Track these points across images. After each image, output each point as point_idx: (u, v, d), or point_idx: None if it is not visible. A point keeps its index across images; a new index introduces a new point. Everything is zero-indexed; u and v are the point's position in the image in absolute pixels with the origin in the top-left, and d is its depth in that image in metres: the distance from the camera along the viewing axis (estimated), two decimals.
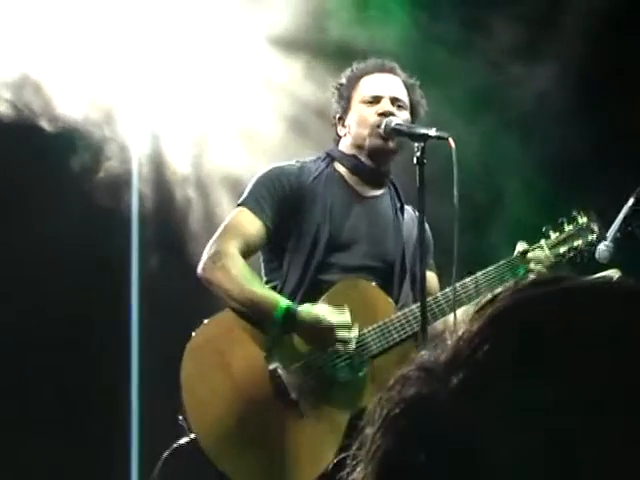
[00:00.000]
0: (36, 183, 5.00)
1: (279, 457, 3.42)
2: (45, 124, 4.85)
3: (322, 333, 3.42)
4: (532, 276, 3.41)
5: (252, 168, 4.78)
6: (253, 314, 3.46)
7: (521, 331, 0.74)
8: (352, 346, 3.45)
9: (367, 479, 0.76)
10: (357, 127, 3.68)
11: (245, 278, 3.48)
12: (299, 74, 4.85)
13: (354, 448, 0.80)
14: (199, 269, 3.55)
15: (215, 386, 3.45)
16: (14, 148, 4.89)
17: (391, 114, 3.62)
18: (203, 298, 3.80)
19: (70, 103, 4.91)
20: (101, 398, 4.98)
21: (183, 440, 3.45)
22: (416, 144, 3.42)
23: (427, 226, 3.71)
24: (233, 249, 3.51)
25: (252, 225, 3.57)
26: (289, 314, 3.41)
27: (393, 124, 3.55)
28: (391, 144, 3.63)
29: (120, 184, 5.04)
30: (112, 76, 4.98)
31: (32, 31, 4.90)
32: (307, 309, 3.43)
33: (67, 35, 4.91)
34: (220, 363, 3.46)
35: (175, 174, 5.07)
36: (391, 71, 3.76)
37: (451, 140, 3.35)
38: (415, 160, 3.39)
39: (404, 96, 3.71)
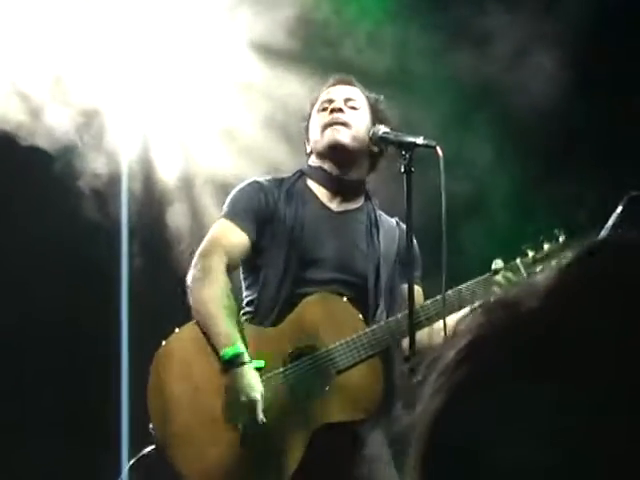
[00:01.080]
0: (22, 187, 4.98)
1: (241, 468, 3.38)
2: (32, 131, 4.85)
3: (238, 399, 3.36)
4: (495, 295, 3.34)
5: (236, 170, 4.84)
6: (208, 340, 3.45)
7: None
8: (241, 426, 3.37)
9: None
10: (314, 132, 3.68)
11: (217, 302, 3.45)
12: (281, 78, 4.86)
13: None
14: (188, 279, 3.53)
15: (179, 395, 3.43)
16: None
17: (340, 110, 3.61)
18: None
19: (57, 107, 4.90)
20: (91, 407, 4.96)
21: (148, 449, 3.46)
22: (404, 152, 3.36)
23: (414, 240, 3.64)
24: (217, 264, 3.49)
25: (237, 238, 3.55)
26: (234, 361, 3.38)
27: (380, 132, 3.51)
28: (346, 134, 3.59)
29: (108, 187, 5.03)
30: (98, 80, 4.97)
31: (17, 38, 4.88)
32: (247, 371, 3.37)
33: (53, 41, 4.89)
34: (185, 373, 3.45)
35: (162, 178, 5.07)
36: (348, 83, 3.75)
37: (439, 148, 3.31)
38: (402, 169, 3.33)
39: (360, 98, 3.69)
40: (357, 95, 3.71)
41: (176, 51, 5.03)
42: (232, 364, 3.38)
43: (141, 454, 3.48)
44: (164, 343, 3.51)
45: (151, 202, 5.12)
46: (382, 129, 3.53)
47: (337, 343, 3.45)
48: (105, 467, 4.98)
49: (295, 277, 3.52)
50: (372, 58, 4.16)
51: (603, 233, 3.17)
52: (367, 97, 3.72)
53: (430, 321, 3.44)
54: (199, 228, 4.84)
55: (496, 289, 3.41)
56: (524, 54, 4.90)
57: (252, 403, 3.35)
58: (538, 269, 3.53)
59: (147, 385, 3.47)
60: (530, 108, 4.77)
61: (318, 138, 3.65)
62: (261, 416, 3.36)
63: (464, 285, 3.49)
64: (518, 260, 3.55)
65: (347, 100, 3.67)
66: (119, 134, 5.06)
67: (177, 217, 5.07)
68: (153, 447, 3.42)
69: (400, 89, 3.88)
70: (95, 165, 4.98)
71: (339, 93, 3.70)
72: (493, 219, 4.87)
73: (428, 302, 3.46)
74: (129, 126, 5.08)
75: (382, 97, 3.75)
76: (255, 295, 3.56)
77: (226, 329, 3.43)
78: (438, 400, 0.74)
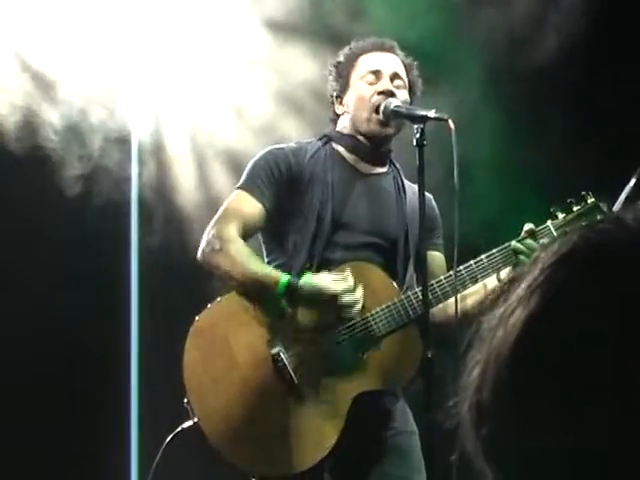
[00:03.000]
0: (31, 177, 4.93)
1: (282, 441, 3.35)
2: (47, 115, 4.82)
3: (327, 302, 3.34)
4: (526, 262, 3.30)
5: (247, 145, 4.79)
6: (255, 291, 3.38)
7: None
8: (358, 308, 3.37)
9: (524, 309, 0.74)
10: (356, 107, 3.56)
11: (245, 257, 3.40)
12: (294, 54, 4.80)
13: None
14: (199, 253, 3.47)
15: (217, 371, 3.38)
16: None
17: (391, 93, 3.51)
18: (204, 282, 3.76)
19: (68, 86, 4.87)
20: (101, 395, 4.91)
21: (187, 424, 3.38)
22: (415, 126, 3.32)
23: (434, 205, 3.64)
24: (232, 232, 3.43)
25: (251, 207, 3.48)
26: (291, 287, 3.33)
27: (392, 106, 3.45)
28: (389, 129, 3.53)
29: (119, 164, 5.00)
30: (109, 58, 4.93)
31: (27, 15, 4.84)
32: (308, 280, 3.35)
33: (65, 20, 4.85)
34: (222, 348, 3.39)
35: (173, 153, 5.04)
36: (390, 50, 3.64)
37: (450, 122, 3.27)
38: (415, 142, 3.30)
39: (403, 74, 3.60)
40: (401, 70, 3.61)
41: (186, 28, 4.98)
42: (293, 291, 3.34)
43: (179, 429, 3.40)
44: (197, 318, 3.45)
45: (162, 176, 5.08)
46: (394, 102, 3.47)
47: (374, 310, 3.41)
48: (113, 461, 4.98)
49: (326, 241, 3.47)
50: (384, 30, 4.10)
51: (616, 206, 3.15)
52: (405, 67, 3.63)
53: (474, 281, 3.40)
54: (209, 203, 4.81)
55: (521, 257, 3.39)
56: None
57: (335, 293, 3.33)
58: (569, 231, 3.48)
59: (182, 360, 3.40)
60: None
61: (363, 117, 3.54)
62: (352, 292, 3.35)
63: (485, 255, 3.44)
64: (549, 222, 3.49)
65: (394, 77, 3.58)
66: (130, 111, 5.03)
67: (187, 191, 5.04)
68: (190, 423, 3.37)
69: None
70: (106, 140, 4.95)
71: (386, 65, 3.59)
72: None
73: (461, 267, 3.39)
74: (140, 102, 5.05)
75: (415, 62, 3.67)
76: (283, 261, 3.50)
77: (266, 270, 3.40)
78: (536, 298, 0.74)
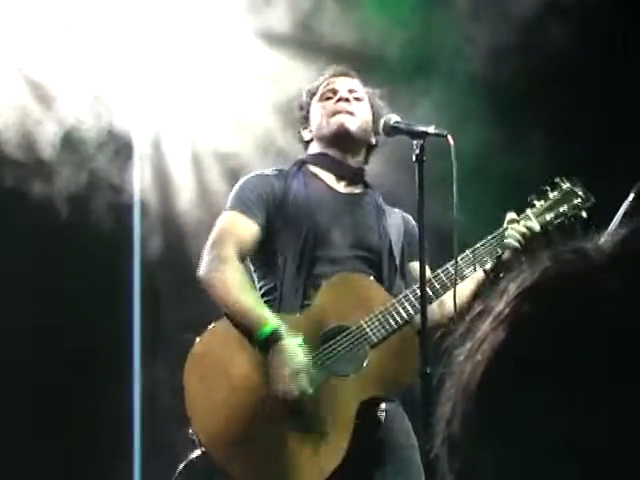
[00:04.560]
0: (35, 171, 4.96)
1: (292, 457, 3.33)
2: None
3: (285, 373, 3.31)
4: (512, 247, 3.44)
5: (246, 154, 4.86)
6: (239, 326, 3.39)
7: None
8: (299, 391, 3.30)
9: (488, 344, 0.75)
10: (316, 121, 3.71)
11: (241, 287, 3.41)
12: (292, 67, 4.85)
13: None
14: (199, 272, 3.48)
15: (217, 397, 3.36)
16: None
17: (347, 100, 3.65)
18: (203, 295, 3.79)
19: (69, 96, 4.90)
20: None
21: (194, 454, 3.36)
22: (415, 141, 3.33)
23: (413, 222, 3.68)
24: (231, 253, 3.45)
25: (246, 227, 3.52)
26: (272, 337, 3.32)
27: (392, 122, 3.46)
28: (353, 121, 3.64)
29: (120, 173, 5.03)
30: (110, 69, 4.96)
31: (28, 25, 4.86)
32: (288, 344, 3.32)
33: (67, 30, 4.88)
34: (221, 371, 3.38)
35: (174, 164, 5.08)
36: (348, 75, 3.79)
37: (450, 137, 3.29)
38: (414, 158, 3.31)
39: (361, 90, 3.74)
40: (359, 87, 3.76)
41: (186, 40, 5.02)
42: (270, 341, 3.31)
43: (188, 460, 3.37)
44: (196, 341, 3.43)
45: (162, 185, 5.12)
46: (393, 118, 3.48)
47: (367, 317, 3.42)
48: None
49: (312, 257, 3.50)
50: (376, 47, 4.17)
51: (614, 223, 3.13)
52: (363, 85, 3.78)
53: (445, 288, 3.44)
54: (208, 211, 4.88)
55: (511, 241, 3.49)
56: None
57: (298, 373, 3.30)
58: (548, 217, 3.60)
59: (182, 388, 3.38)
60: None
61: (324, 125, 3.67)
62: (309, 387, 3.31)
63: (480, 243, 3.51)
64: (528, 211, 3.59)
65: (351, 91, 3.72)
66: (130, 122, 5.06)
67: (186, 200, 5.09)
68: (198, 452, 3.34)
69: (405, 80, 3.90)
70: (107, 151, 4.98)
71: (342, 84, 3.74)
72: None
73: (439, 271, 3.45)
74: (140, 113, 5.08)
75: (378, 90, 3.79)
76: (275, 282, 3.51)
77: (256, 310, 3.37)
78: (501, 332, 0.74)
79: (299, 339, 3.36)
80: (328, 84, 3.75)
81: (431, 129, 3.35)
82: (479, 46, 4.79)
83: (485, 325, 0.76)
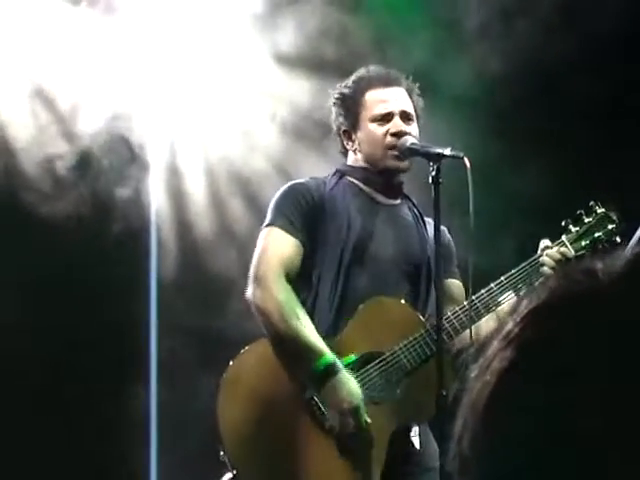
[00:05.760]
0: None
1: None
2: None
3: (345, 408, 3.28)
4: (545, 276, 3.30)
5: (260, 172, 4.92)
6: (290, 355, 3.32)
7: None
8: (359, 426, 3.29)
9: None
10: (369, 147, 3.51)
11: (293, 313, 3.29)
12: (303, 87, 4.91)
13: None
14: (249, 295, 3.38)
15: (251, 419, 3.33)
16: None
17: (404, 133, 3.46)
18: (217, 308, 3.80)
19: (83, 112, 4.95)
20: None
21: (226, 477, 3.34)
22: (431, 163, 3.31)
23: (448, 235, 3.61)
24: (278, 274, 3.34)
25: (288, 244, 3.39)
26: (329, 371, 3.26)
27: (408, 143, 3.43)
28: (405, 163, 3.50)
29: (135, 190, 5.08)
30: (125, 86, 4.99)
31: (40, 40, 4.91)
32: (345, 378, 3.28)
33: (80, 46, 4.93)
34: (256, 397, 3.34)
35: (190, 182, 5.13)
36: (396, 83, 3.57)
37: (466, 159, 3.27)
38: (430, 180, 3.28)
39: (411, 108, 3.54)
40: (409, 104, 3.55)
41: (200, 61, 5.05)
42: (327, 375, 3.26)
43: None
44: (230, 365, 3.38)
45: (178, 202, 5.16)
46: (410, 140, 3.44)
47: (402, 344, 3.37)
48: None
49: (349, 271, 3.41)
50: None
51: (632, 242, 3.13)
52: (412, 97, 3.59)
53: (488, 309, 3.39)
54: (222, 226, 4.95)
55: (546, 268, 3.40)
56: None
57: (357, 410, 3.27)
58: (583, 243, 3.50)
59: (216, 411, 3.34)
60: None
61: (378, 155, 3.49)
62: (366, 420, 3.28)
63: (515, 269, 3.43)
64: (564, 237, 3.48)
65: (404, 115, 3.50)
66: (146, 138, 5.11)
67: (200, 216, 5.14)
68: (230, 475, 3.32)
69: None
70: (121, 168, 5.03)
71: (395, 104, 3.51)
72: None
73: (483, 291, 3.39)
74: (155, 130, 5.13)
75: (416, 87, 3.63)
76: (309, 296, 3.40)
77: (310, 341, 3.27)
78: (509, 352, 0.74)
79: (351, 357, 3.34)
80: (380, 101, 3.52)
81: (447, 151, 3.32)
82: (485, 69, 4.84)
83: (496, 343, 0.75)
